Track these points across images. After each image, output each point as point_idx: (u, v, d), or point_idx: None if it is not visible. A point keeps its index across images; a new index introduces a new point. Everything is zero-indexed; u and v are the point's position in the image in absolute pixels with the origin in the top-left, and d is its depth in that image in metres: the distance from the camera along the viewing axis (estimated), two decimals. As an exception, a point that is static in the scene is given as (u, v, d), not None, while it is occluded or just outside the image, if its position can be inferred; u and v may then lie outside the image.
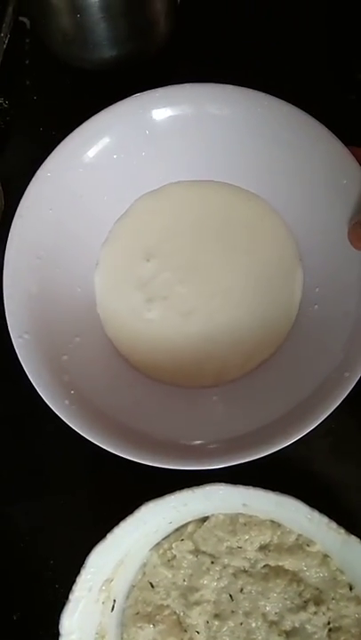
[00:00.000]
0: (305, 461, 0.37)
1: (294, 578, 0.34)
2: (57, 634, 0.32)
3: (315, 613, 0.33)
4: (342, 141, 0.35)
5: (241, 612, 0.34)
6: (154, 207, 0.39)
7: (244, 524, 0.34)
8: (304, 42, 0.44)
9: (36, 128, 0.44)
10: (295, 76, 0.42)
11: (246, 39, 0.44)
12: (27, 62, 0.46)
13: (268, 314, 0.37)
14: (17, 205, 0.36)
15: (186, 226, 0.39)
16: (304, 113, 0.35)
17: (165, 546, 0.35)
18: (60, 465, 0.39)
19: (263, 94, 0.35)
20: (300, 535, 0.34)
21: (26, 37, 0.46)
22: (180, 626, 0.34)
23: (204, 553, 0.35)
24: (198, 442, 0.33)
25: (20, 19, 0.46)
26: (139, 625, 0.34)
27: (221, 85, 0.36)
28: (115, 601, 0.34)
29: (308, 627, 0.33)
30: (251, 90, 0.35)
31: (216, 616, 0.34)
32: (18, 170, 0.37)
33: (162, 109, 0.37)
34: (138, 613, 0.35)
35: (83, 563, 0.32)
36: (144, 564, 0.35)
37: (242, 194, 0.39)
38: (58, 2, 0.38)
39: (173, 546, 0.35)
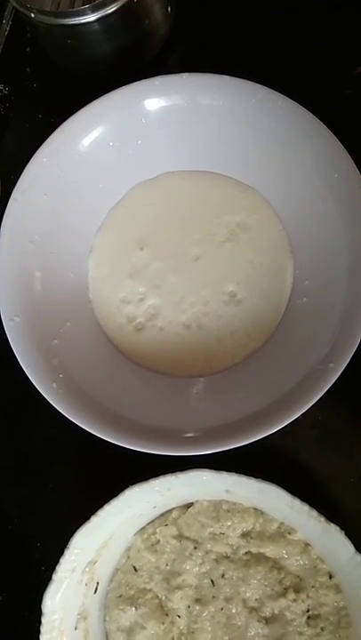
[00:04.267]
0: (291, 452, 0.38)
1: (275, 565, 0.34)
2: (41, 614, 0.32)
3: (294, 601, 0.33)
4: (339, 135, 0.35)
5: (222, 597, 0.34)
6: (148, 196, 0.40)
7: (228, 511, 0.34)
8: (303, 37, 0.44)
9: (35, 115, 0.45)
10: (293, 70, 0.42)
11: (244, 33, 0.44)
12: (27, 50, 0.46)
13: (258, 305, 0.37)
14: (13, 190, 0.36)
15: (179, 216, 0.39)
16: (298, 105, 0.35)
17: (150, 530, 0.36)
18: (49, 449, 0.39)
19: (258, 85, 0.35)
20: (281, 523, 0.34)
21: (27, 25, 0.46)
22: (162, 609, 0.35)
23: (187, 538, 0.35)
24: (182, 429, 0.33)
25: (22, 7, 0.46)
26: (121, 607, 0.35)
27: (217, 76, 0.36)
28: (98, 583, 0.35)
29: (287, 613, 0.33)
30: (246, 81, 0.36)
31: (197, 601, 0.34)
32: (16, 155, 0.38)
33: (158, 98, 0.37)
34: (121, 596, 0.35)
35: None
36: (128, 548, 0.36)
37: (235, 185, 0.39)
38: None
39: (157, 531, 0.35)
